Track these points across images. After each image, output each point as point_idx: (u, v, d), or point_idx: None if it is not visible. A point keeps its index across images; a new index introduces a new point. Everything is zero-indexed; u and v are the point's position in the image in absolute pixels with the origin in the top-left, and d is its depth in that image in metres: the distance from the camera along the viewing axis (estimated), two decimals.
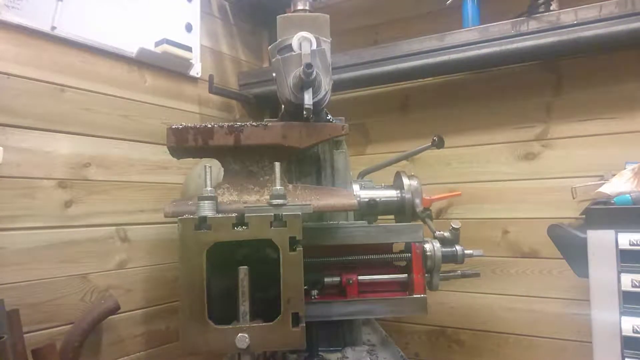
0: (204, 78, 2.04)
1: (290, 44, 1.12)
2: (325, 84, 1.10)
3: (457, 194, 1.65)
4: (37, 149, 1.47)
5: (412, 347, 2.07)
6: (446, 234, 1.34)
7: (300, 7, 1.21)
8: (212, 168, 1.06)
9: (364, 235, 1.26)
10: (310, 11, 1.19)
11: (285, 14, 1.17)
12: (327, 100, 1.14)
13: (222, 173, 1.18)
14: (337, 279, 1.25)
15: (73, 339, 1.46)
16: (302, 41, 1.11)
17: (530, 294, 1.83)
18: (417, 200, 1.39)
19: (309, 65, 1.01)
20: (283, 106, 1.19)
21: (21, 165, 1.43)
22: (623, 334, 1.17)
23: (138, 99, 1.78)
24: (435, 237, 1.34)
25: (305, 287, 1.15)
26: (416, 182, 1.43)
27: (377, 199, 1.42)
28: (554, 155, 1.81)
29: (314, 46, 1.11)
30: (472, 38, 1.69)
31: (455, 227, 1.33)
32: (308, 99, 1.05)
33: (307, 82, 1.04)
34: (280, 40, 1.15)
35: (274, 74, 1.13)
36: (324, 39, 1.14)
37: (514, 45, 1.62)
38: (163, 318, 1.81)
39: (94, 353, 1.59)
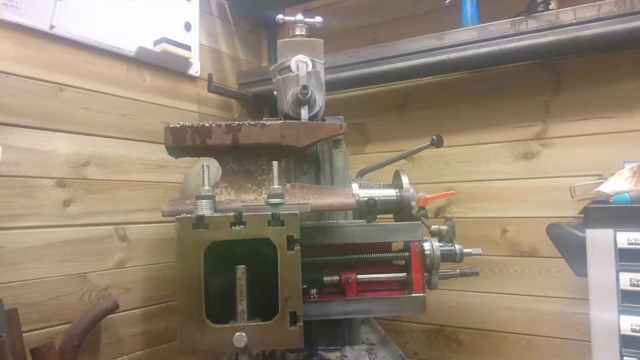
0: (202, 77, 2.04)
1: (289, 66, 1.26)
2: (320, 101, 1.26)
3: (451, 193, 1.66)
4: (36, 148, 1.47)
5: (411, 346, 2.07)
6: (442, 227, 1.34)
7: (298, 32, 1.32)
8: (211, 167, 1.06)
9: (362, 234, 1.26)
10: (306, 36, 1.32)
11: (285, 39, 1.31)
12: (321, 114, 1.28)
13: (220, 172, 1.18)
14: (336, 278, 1.25)
15: (72, 338, 1.46)
16: (299, 63, 1.25)
17: (529, 293, 1.83)
18: (413, 203, 1.40)
19: (305, 87, 1.20)
20: (282, 118, 1.26)
21: (20, 164, 1.43)
22: (622, 332, 1.17)
23: (137, 98, 1.78)
24: (431, 232, 1.34)
25: (305, 286, 1.15)
26: (412, 187, 1.44)
27: (376, 198, 1.42)
28: (553, 155, 1.81)
29: (310, 68, 1.25)
30: (471, 37, 1.69)
31: (448, 216, 1.36)
32: (304, 114, 1.22)
33: (303, 100, 1.21)
34: (280, 62, 1.27)
35: (274, 92, 1.29)
36: (319, 60, 1.28)
37: (513, 45, 1.62)
38: (162, 317, 1.81)
39: (92, 352, 1.59)
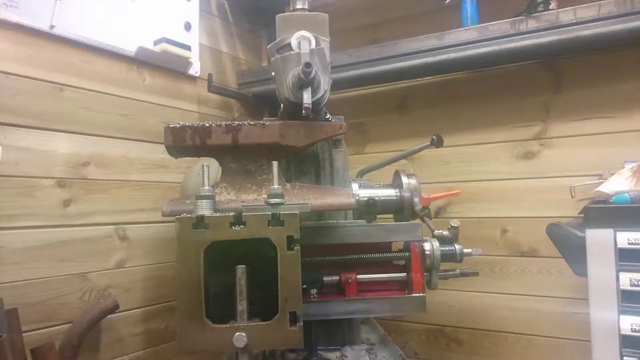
0: (202, 77, 2.04)
1: (290, 43, 1.12)
2: (324, 83, 1.11)
3: (455, 192, 1.66)
4: (36, 148, 1.47)
5: (411, 346, 2.07)
6: (445, 232, 1.34)
7: (299, 6, 1.21)
8: (211, 167, 1.06)
9: (362, 234, 1.26)
10: (309, 10, 1.19)
11: (285, 13, 1.18)
12: (326, 99, 1.15)
13: (220, 172, 1.18)
14: (336, 278, 1.25)
15: (72, 338, 1.46)
16: (301, 40, 1.11)
17: (529, 292, 1.83)
18: (416, 199, 1.39)
19: (308, 65, 1.02)
20: (282, 105, 1.20)
21: (20, 164, 1.43)
22: (621, 332, 1.17)
23: (137, 97, 1.78)
24: (434, 236, 1.34)
25: (305, 286, 1.15)
26: (415, 181, 1.43)
27: (376, 198, 1.42)
28: (553, 154, 1.81)
29: (313, 45, 1.11)
30: (471, 37, 1.69)
31: (455, 225, 1.33)
32: (307, 98, 1.06)
33: (306, 81, 1.04)
34: (279, 39, 1.15)
35: (273, 73, 1.13)
36: (323, 38, 1.14)
37: (513, 45, 1.62)
38: (162, 317, 1.81)
39: (92, 352, 1.59)
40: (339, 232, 1.25)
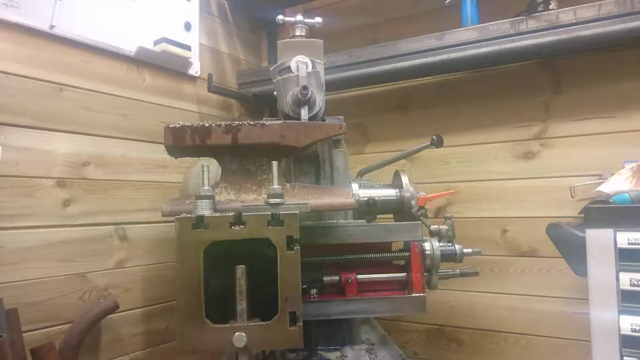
0: (202, 77, 2.04)
1: (289, 66, 1.27)
2: (319, 101, 1.27)
3: (451, 192, 1.66)
4: (36, 147, 1.47)
5: (411, 346, 2.07)
6: (442, 227, 1.34)
7: (297, 33, 1.34)
8: (211, 167, 1.06)
9: (362, 234, 1.26)
10: (306, 36, 1.34)
11: (285, 40, 1.33)
12: (321, 114, 1.29)
13: (220, 172, 1.18)
14: (336, 278, 1.25)
15: (72, 338, 1.46)
16: (299, 64, 1.26)
17: (529, 292, 1.83)
18: (413, 202, 1.40)
19: (305, 88, 1.21)
20: (282, 119, 1.27)
21: (20, 164, 1.43)
22: (621, 332, 1.17)
23: (137, 97, 1.78)
24: (430, 232, 1.34)
25: (305, 286, 1.15)
26: (413, 188, 1.43)
27: (376, 198, 1.42)
28: (553, 154, 1.81)
29: (310, 68, 1.27)
30: (471, 37, 1.69)
31: (448, 216, 1.36)
32: (304, 114, 1.23)
33: (303, 100, 1.23)
34: (280, 62, 1.29)
35: (274, 93, 1.30)
36: (318, 61, 1.30)
37: (513, 45, 1.62)
38: (162, 317, 1.81)
39: (93, 352, 1.59)
40: (338, 232, 1.25)
